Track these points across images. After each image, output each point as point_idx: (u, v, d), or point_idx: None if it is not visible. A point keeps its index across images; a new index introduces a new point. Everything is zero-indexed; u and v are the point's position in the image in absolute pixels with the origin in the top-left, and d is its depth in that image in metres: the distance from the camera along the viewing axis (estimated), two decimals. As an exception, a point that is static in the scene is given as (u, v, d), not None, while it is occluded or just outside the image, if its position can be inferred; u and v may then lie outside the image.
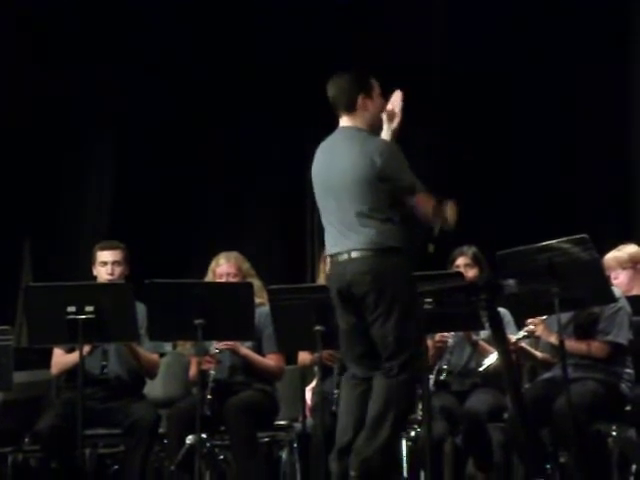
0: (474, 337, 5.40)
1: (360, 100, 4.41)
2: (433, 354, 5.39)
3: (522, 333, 5.19)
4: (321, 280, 5.42)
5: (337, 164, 4.39)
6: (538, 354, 5.30)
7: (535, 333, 5.16)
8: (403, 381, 4.27)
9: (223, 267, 5.50)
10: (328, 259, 4.49)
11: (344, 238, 4.34)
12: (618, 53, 7.04)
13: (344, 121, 4.46)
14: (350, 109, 4.42)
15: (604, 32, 7.04)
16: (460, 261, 5.52)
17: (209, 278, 5.52)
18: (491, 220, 6.88)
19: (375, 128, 4.44)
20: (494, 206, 7.03)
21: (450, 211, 4.42)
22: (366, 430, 4.24)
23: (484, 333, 5.35)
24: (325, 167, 4.44)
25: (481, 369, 5.31)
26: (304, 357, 5.51)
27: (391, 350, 4.27)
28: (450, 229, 4.42)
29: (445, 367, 5.42)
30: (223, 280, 5.44)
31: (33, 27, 7.32)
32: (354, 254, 4.31)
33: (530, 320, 5.15)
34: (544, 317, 5.12)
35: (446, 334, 5.38)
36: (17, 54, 7.25)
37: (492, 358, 5.25)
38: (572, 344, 5.07)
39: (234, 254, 5.57)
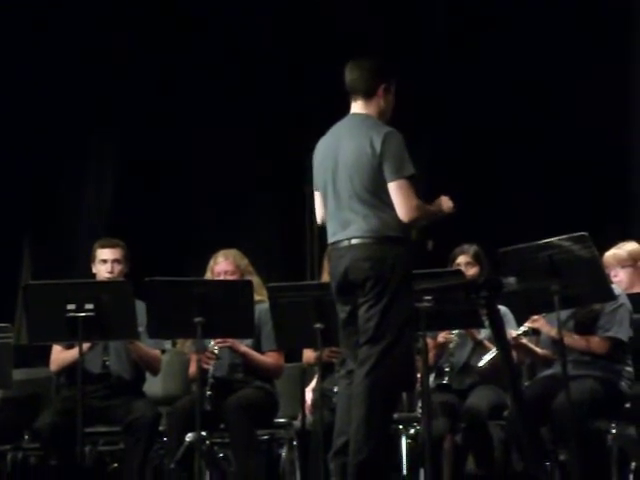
0: (478, 336, 5.40)
1: (381, 89, 4.40)
2: (434, 353, 5.39)
3: (522, 329, 5.20)
4: (325, 277, 5.41)
5: (342, 150, 4.36)
6: (538, 350, 5.30)
7: (535, 326, 5.16)
8: (381, 382, 4.19)
9: (221, 265, 5.49)
10: (329, 247, 4.47)
11: (346, 226, 4.32)
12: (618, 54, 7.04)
13: (357, 107, 4.43)
14: (368, 95, 4.39)
15: (604, 35, 7.04)
16: (461, 259, 5.51)
17: (208, 276, 5.51)
18: (490, 217, 6.88)
19: (383, 121, 4.41)
20: (493, 203, 7.03)
21: (445, 204, 4.41)
22: (356, 434, 4.19)
23: (484, 332, 5.35)
24: (330, 153, 4.41)
25: (480, 364, 5.30)
26: (309, 355, 5.51)
27: (370, 335, 4.23)
28: (444, 216, 4.39)
29: (447, 370, 5.41)
30: (221, 278, 5.43)
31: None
32: (354, 241, 4.29)
33: (531, 318, 5.16)
34: (544, 315, 5.13)
35: (452, 333, 5.37)
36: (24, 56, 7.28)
37: (491, 354, 5.25)
38: (572, 339, 5.07)
39: (232, 252, 5.56)
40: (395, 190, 4.27)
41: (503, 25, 7.16)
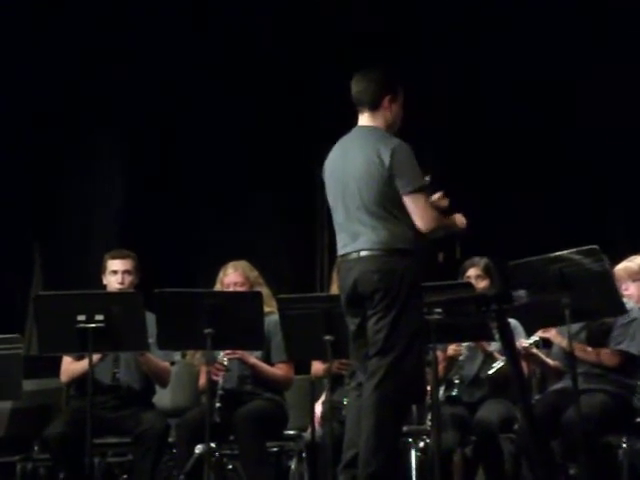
0: (489, 348, 5.39)
1: (386, 101, 4.42)
2: (444, 366, 5.38)
3: (533, 338, 5.19)
4: (334, 289, 5.41)
5: (351, 163, 4.38)
6: (550, 361, 5.29)
7: (547, 336, 5.15)
8: (390, 395, 4.19)
9: (230, 276, 5.50)
10: (339, 259, 4.47)
11: (355, 238, 4.33)
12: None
13: (364, 119, 4.45)
14: (374, 107, 4.41)
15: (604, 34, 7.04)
16: (471, 272, 5.50)
17: (217, 288, 5.51)
18: (501, 230, 6.87)
19: (391, 132, 4.43)
20: (504, 215, 7.02)
21: (459, 220, 4.43)
22: (366, 446, 4.18)
23: (494, 344, 5.34)
24: (339, 165, 4.43)
25: (490, 372, 5.30)
26: (317, 367, 5.50)
27: (379, 347, 4.22)
28: (458, 233, 4.42)
29: (457, 382, 5.40)
30: (231, 289, 5.44)
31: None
32: (363, 253, 4.30)
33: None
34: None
35: (462, 345, 5.36)
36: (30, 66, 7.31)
37: (501, 362, 5.24)
38: (583, 351, 5.05)
39: (242, 263, 5.57)
40: (411, 202, 4.29)
41: (503, 25, 7.16)
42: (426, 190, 4.33)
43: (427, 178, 4.41)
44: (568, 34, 7.05)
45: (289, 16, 7.36)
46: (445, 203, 4.47)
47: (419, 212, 4.28)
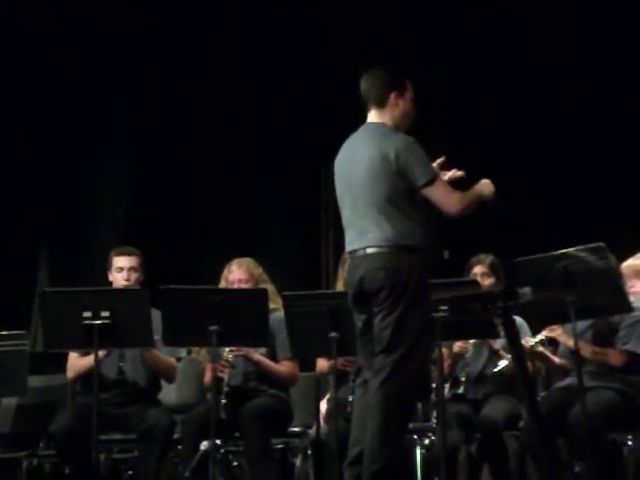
0: (495, 345, 5.38)
1: (392, 97, 4.43)
2: (449, 363, 5.38)
3: (539, 337, 5.18)
4: (339, 286, 5.41)
5: (357, 159, 4.39)
6: (556, 359, 5.29)
7: (553, 336, 5.15)
8: (396, 392, 4.20)
9: (235, 273, 5.50)
10: (347, 255, 4.46)
11: (362, 235, 4.33)
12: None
13: (372, 116, 4.47)
14: (380, 104, 4.42)
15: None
16: (477, 269, 5.49)
17: (222, 285, 5.52)
18: (507, 227, 6.85)
19: (401, 127, 4.44)
20: (509, 212, 7.01)
21: (486, 187, 4.41)
22: (371, 444, 4.19)
23: (500, 341, 5.34)
24: (346, 162, 4.45)
25: (495, 370, 5.30)
26: (322, 364, 5.50)
27: (385, 345, 4.23)
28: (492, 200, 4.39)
29: (463, 379, 5.40)
30: (235, 286, 5.44)
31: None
32: (370, 250, 4.30)
33: (549, 327, 5.15)
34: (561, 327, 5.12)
35: (469, 342, 5.36)
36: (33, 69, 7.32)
37: (506, 361, 5.24)
38: (589, 351, 5.04)
39: (246, 260, 5.57)
40: (430, 194, 4.30)
41: (503, 22, 7.16)
42: (439, 177, 4.31)
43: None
44: (566, 37, 7.04)
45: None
46: (460, 174, 4.44)
47: (441, 200, 4.29)
